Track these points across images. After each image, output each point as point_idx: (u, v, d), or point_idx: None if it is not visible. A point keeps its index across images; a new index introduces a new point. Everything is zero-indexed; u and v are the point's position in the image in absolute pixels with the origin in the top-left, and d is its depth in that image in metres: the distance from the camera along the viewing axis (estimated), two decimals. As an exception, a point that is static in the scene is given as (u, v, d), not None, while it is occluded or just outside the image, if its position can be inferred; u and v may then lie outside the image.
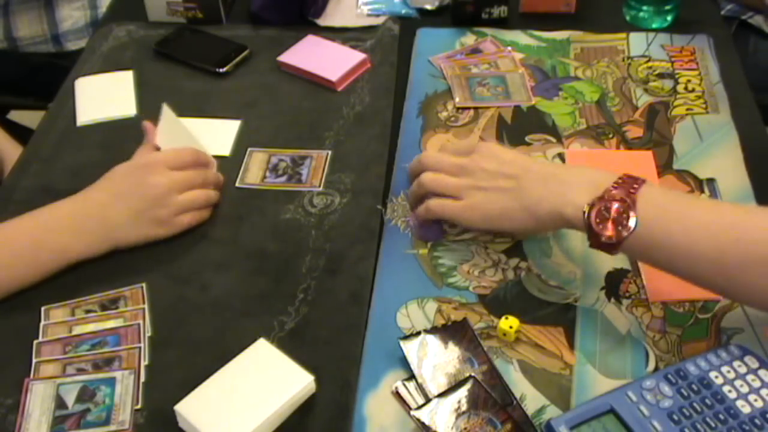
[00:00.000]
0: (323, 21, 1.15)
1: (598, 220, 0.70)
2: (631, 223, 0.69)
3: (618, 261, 0.81)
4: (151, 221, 0.82)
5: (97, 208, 0.81)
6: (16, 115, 1.54)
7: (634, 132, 0.96)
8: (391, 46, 1.11)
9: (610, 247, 0.70)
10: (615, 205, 0.69)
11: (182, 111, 1.01)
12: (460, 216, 0.80)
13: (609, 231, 0.69)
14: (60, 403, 0.70)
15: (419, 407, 0.67)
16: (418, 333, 0.74)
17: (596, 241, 0.71)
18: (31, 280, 0.79)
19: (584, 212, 0.71)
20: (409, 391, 0.70)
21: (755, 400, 0.66)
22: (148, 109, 1.02)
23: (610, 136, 0.96)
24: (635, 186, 0.70)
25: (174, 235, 0.84)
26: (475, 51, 1.10)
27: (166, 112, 0.89)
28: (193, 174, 0.85)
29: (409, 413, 0.68)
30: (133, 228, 0.81)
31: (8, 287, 0.78)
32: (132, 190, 0.82)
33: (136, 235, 0.82)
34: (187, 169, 0.85)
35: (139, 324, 0.76)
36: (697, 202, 0.77)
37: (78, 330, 0.76)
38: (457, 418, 0.66)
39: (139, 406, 0.70)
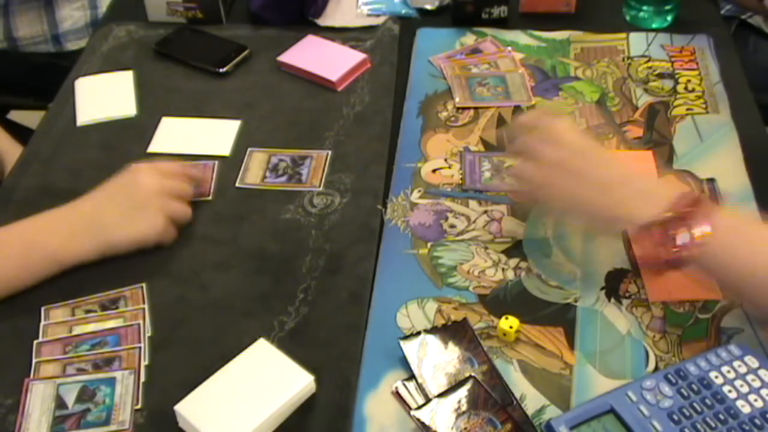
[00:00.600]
0: (323, 21, 1.15)
1: (668, 233, 0.68)
2: (698, 239, 0.67)
3: (618, 261, 0.81)
4: (141, 221, 0.81)
5: (89, 211, 0.82)
6: (16, 115, 1.54)
7: (634, 132, 0.96)
8: (391, 46, 1.11)
9: (677, 263, 0.69)
10: (684, 222, 0.68)
11: (182, 111, 1.02)
12: (545, 202, 0.81)
13: (676, 246, 0.68)
14: (60, 403, 0.70)
15: (419, 407, 0.67)
16: (418, 333, 0.74)
17: (664, 254, 0.69)
18: (23, 284, 0.78)
19: (654, 224, 0.69)
20: (409, 391, 0.70)
21: (755, 400, 0.66)
22: (148, 109, 1.02)
23: (610, 136, 0.96)
24: (703, 204, 0.69)
25: (163, 241, 0.83)
26: (475, 51, 1.10)
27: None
28: (181, 185, 0.86)
29: (409, 413, 0.68)
30: (123, 228, 0.81)
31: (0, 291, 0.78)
32: (122, 191, 0.82)
33: (126, 235, 0.81)
34: (176, 179, 0.85)
35: (139, 324, 0.76)
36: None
37: (78, 330, 0.76)
38: (457, 418, 0.66)
39: (139, 406, 0.70)
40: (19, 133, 1.20)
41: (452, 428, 0.65)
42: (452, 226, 0.85)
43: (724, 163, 0.91)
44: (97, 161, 0.95)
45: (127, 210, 0.81)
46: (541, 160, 0.77)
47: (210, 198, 0.90)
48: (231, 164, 0.94)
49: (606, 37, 1.11)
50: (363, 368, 0.73)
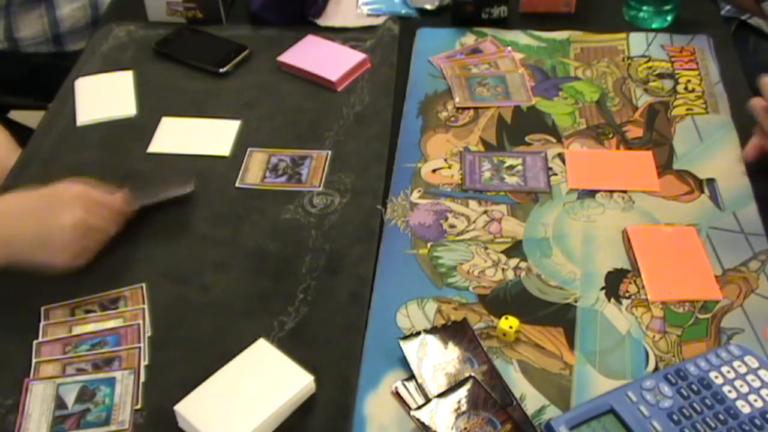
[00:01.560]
0: (323, 21, 1.15)
1: None
2: None
3: (618, 261, 0.81)
4: (51, 252, 0.77)
5: (5, 216, 0.78)
6: (16, 115, 1.54)
7: (634, 132, 0.96)
8: (391, 46, 1.11)
9: None
10: None
11: (182, 111, 1.02)
12: None
13: None
14: (60, 403, 0.70)
15: (419, 407, 0.67)
16: (418, 333, 0.74)
17: None
18: None
19: None
20: (409, 391, 0.70)
21: (755, 400, 0.66)
22: (148, 109, 1.02)
23: (610, 136, 0.96)
24: None
25: (66, 271, 0.79)
26: (475, 51, 1.10)
27: None
28: (102, 223, 0.81)
29: (409, 413, 0.68)
30: (31, 251, 0.77)
31: None
32: (42, 213, 0.77)
33: (32, 259, 0.77)
34: (99, 214, 0.81)
35: (139, 324, 0.76)
36: None
37: (78, 330, 0.76)
38: (457, 418, 0.66)
39: (139, 406, 0.70)
40: (19, 133, 1.20)
41: (452, 428, 0.65)
42: (452, 226, 0.85)
43: (724, 163, 0.92)
44: (97, 161, 0.95)
45: (41, 235, 0.77)
46: None
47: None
48: (231, 164, 0.94)
49: (606, 37, 1.11)
50: (363, 368, 0.73)
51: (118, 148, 0.97)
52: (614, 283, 0.79)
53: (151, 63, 1.09)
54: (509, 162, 0.93)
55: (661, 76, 1.04)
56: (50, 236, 0.77)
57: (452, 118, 0.99)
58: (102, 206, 0.81)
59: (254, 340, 0.73)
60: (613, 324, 0.76)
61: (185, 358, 0.74)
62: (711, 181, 0.89)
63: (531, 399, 0.70)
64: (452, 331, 0.74)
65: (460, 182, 0.91)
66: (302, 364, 0.71)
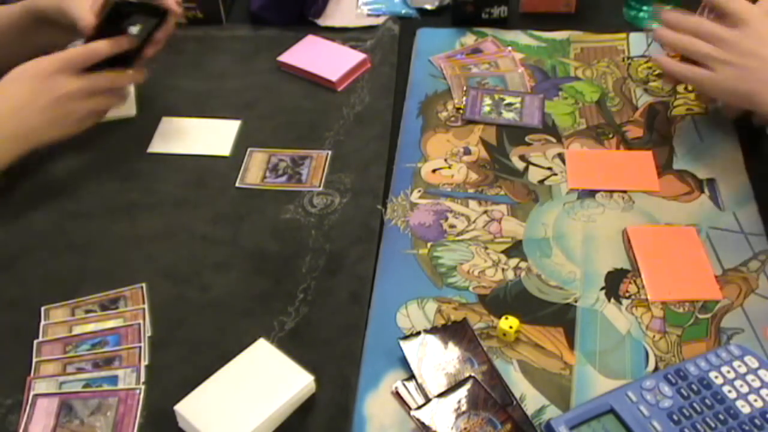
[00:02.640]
0: (323, 21, 1.15)
1: None
2: None
3: (618, 261, 0.81)
4: (66, 125, 0.85)
5: (10, 114, 0.82)
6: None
7: (634, 132, 0.96)
8: (391, 46, 1.11)
9: None
10: None
11: (182, 111, 1.02)
12: (704, 86, 0.85)
13: None
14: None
15: (419, 407, 0.67)
16: (418, 333, 0.74)
17: None
18: None
19: None
20: (409, 391, 0.70)
21: (755, 400, 0.66)
22: (148, 109, 1.02)
23: (610, 136, 0.96)
24: None
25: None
26: (475, 51, 1.10)
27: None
28: (102, 80, 0.86)
29: (409, 413, 0.68)
30: (48, 133, 0.84)
31: None
32: (43, 96, 0.83)
33: (51, 138, 0.85)
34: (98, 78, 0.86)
35: (139, 324, 0.76)
36: None
37: (78, 330, 0.76)
38: (457, 418, 0.66)
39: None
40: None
41: (452, 428, 0.65)
42: (452, 226, 0.85)
43: (724, 163, 0.92)
44: (97, 161, 0.95)
45: (52, 117, 0.83)
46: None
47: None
48: (231, 164, 0.94)
49: (606, 37, 1.11)
50: (363, 368, 0.73)
51: (118, 148, 0.97)
52: (614, 283, 0.79)
53: (151, 62, 1.09)
54: (509, 99, 0.99)
55: (661, 76, 1.04)
56: (62, 116, 0.84)
57: (452, 118, 0.99)
58: (66, 66, 0.84)
59: (254, 340, 0.73)
60: (613, 324, 0.76)
61: (185, 358, 0.74)
62: (711, 181, 0.89)
63: (531, 399, 0.70)
64: (452, 331, 0.74)
65: (461, 113, 0.98)
66: (302, 364, 0.71)
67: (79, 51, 0.83)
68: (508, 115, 0.98)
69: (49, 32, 0.95)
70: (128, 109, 1.02)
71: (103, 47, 0.85)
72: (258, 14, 1.15)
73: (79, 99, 0.85)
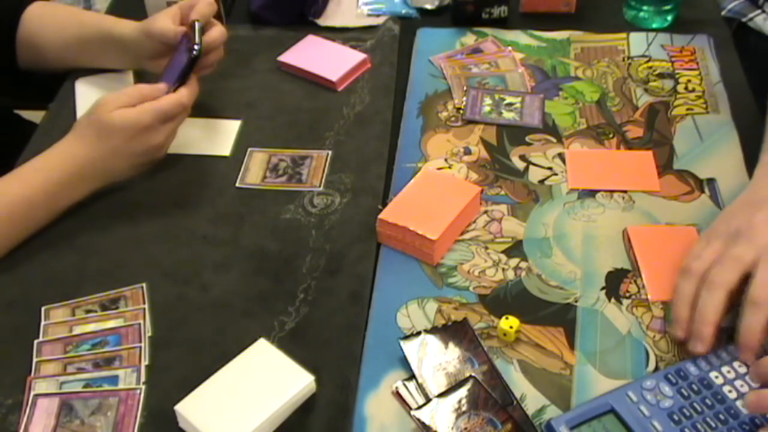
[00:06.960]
0: (323, 21, 1.15)
1: None
2: None
3: (618, 261, 0.81)
4: (146, 166, 0.90)
5: (105, 157, 0.85)
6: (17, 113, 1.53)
7: (634, 132, 0.96)
8: (391, 46, 1.11)
9: None
10: None
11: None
12: None
13: None
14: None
15: (419, 407, 0.67)
16: (419, 333, 0.74)
17: None
18: (42, 226, 0.85)
19: None
20: (409, 391, 0.70)
21: (755, 400, 0.66)
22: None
23: (610, 136, 0.96)
24: None
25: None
26: (475, 51, 1.10)
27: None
28: (180, 119, 0.90)
29: (409, 413, 0.68)
30: (129, 173, 0.89)
31: (24, 235, 0.84)
32: (131, 147, 0.86)
33: (128, 177, 0.90)
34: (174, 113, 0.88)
35: (139, 324, 0.76)
36: None
37: (78, 330, 0.76)
38: (457, 418, 0.66)
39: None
40: (25, 128, 1.20)
41: (452, 428, 0.65)
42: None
43: (724, 163, 0.92)
44: (98, 161, 0.95)
45: (136, 162, 0.88)
46: None
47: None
48: (231, 164, 0.94)
49: (606, 37, 1.11)
50: (363, 368, 0.73)
51: (118, 148, 0.97)
52: (614, 283, 0.79)
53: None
54: (509, 99, 0.98)
55: (661, 76, 1.04)
56: (146, 162, 0.90)
57: (452, 118, 0.99)
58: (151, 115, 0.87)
59: (254, 340, 0.73)
60: (613, 324, 0.76)
61: (185, 358, 0.74)
62: (711, 181, 0.89)
63: (531, 399, 0.70)
64: (452, 331, 0.74)
65: (461, 113, 0.99)
66: (302, 364, 0.71)
67: (171, 104, 0.87)
68: (509, 115, 0.98)
69: (118, 57, 1.01)
70: None
71: (187, 98, 0.89)
72: (258, 14, 1.15)
73: (163, 147, 0.90)
